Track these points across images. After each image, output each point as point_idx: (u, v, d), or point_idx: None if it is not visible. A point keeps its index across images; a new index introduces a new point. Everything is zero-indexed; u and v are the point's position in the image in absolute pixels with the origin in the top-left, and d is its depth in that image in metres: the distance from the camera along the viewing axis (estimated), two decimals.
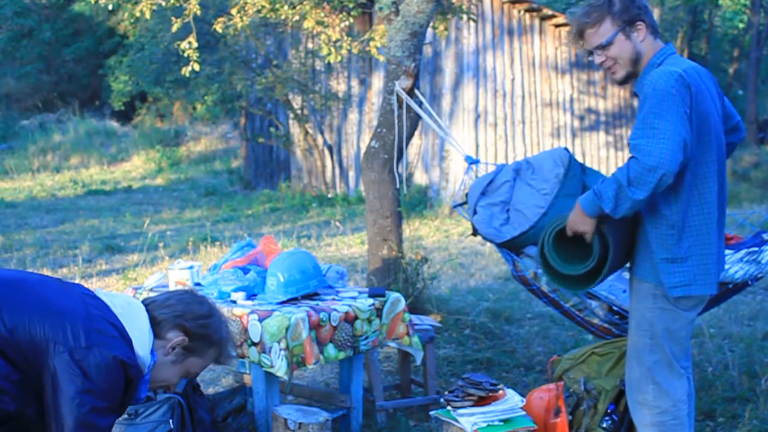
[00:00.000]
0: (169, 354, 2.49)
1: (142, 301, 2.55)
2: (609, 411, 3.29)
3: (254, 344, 3.51)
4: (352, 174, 14.90)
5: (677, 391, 3.03)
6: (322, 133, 15.02)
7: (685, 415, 3.05)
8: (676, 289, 2.92)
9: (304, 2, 7.34)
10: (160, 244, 8.87)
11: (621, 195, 2.79)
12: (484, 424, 3.19)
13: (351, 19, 7.77)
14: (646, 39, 2.97)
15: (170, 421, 3.12)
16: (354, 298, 3.87)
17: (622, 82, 3.05)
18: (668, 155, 2.71)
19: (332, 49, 7.55)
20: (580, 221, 2.95)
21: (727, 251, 3.44)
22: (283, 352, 3.42)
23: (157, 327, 2.47)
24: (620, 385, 3.30)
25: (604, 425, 3.27)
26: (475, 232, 4.34)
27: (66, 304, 2.36)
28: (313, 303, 3.71)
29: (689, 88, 2.80)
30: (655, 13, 22.35)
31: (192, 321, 2.50)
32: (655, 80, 2.82)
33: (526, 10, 14.40)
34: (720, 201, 2.97)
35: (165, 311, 2.49)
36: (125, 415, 3.09)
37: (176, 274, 3.94)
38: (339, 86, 14.93)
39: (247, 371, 4.16)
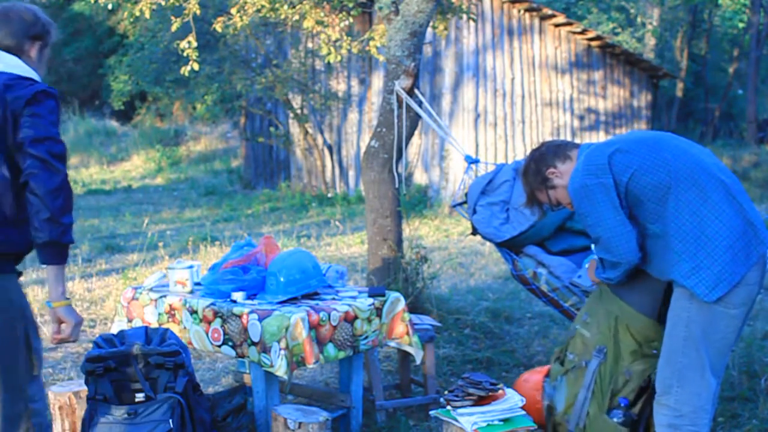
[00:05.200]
0: (33, 60, 2.80)
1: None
2: (621, 405, 3.25)
3: (254, 344, 3.51)
4: (352, 174, 14.91)
5: (701, 398, 3.00)
6: (322, 132, 15.03)
7: (705, 423, 3.02)
8: (711, 293, 2.92)
9: (304, 2, 7.34)
10: (160, 244, 8.87)
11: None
12: (484, 424, 3.19)
13: (351, 19, 7.77)
14: (565, 172, 3.27)
15: (170, 420, 3.12)
16: (354, 297, 3.87)
17: None
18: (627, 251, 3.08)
19: (332, 49, 7.55)
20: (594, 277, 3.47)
21: None
22: (282, 352, 3.43)
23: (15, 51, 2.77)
24: (626, 375, 3.25)
25: (615, 419, 3.23)
26: (474, 232, 4.34)
27: None
28: (312, 302, 3.71)
29: (600, 166, 3.06)
30: (655, 13, 22.37)
31: (35, 26, 2.80)
32: (569, 183, 3.18)
33: (526, 10, 14.40)
34: (725, 192, 2.98)
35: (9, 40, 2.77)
36: (125, 415, 3.09)
37: (176, 274, 3.94)
38: (339, 86, 14.94)
39: (247, 371, 4.16)
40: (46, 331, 4.90)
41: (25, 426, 2.76)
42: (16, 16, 2.76)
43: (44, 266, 2.60)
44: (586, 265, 3.86)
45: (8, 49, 2.74)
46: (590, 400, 3.28)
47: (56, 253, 2.58)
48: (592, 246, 4.03)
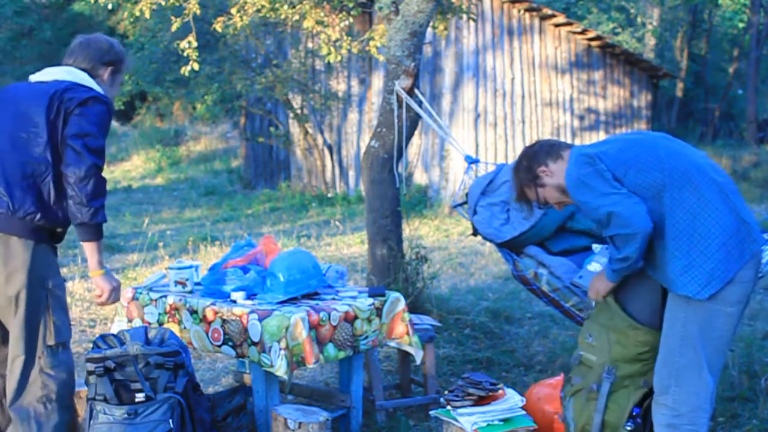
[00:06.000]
0: (105, 82, 3.25)
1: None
2: (633, 414, 3.24)
3: (254, 344, 3.51)
4: (352, 174, 14.91)
5: (699, 398, 3.00)
6: (322, 132, 15.03)
7: (703, 423, 3.01)
8: (703, 290, 2.92)
9: (304, 2, 7.34)
10: (160, 244, 8.87)
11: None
12: (484, 424, 3.20)
13: (351, 19, 7.77)
14: (555, 171, 3.27)
15: (170, 420, 3.12)
16: (354, 297, 3.87)
17: None
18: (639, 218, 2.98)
19: (332, 49, 7.55)
20: (604, 287, 3.26)
21: None
22: (282, 352, 3.42)
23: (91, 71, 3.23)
24: (643, 386, 3.25)
25: (628, 428, 3.23)
26: (475, 232, 4.34)
27: None
28: (312, 302, 3.71)
29: (592, 155, 3.06)
30: (655, 13, 22.37)
31: (109, 53, 3.27)
32: (566, 180, 3.15)
33: (526, 10, 14.40)
34: (718, 191, 2.98)
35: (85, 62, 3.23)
36: (125, 415, 3.09)
37: (176, 274, 3.94)
38: (339, 86, 14.94)
39: (247, 371, 4.16)
40: None
41: (37, 394, 3.01)
42: (94, 44, 3.26)
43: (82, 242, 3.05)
44: (588, 266, 3.85)
45: (85, 71, 3.19)
46: (606, 421, 3.25)
47: (88, 232, 2.99)
48: (593, 246, 4.02)
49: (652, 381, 3.19)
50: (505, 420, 3.24)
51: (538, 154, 3.33)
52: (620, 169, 3.03)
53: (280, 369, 3.43)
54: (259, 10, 7.28)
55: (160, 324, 3.86)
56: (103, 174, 3.03)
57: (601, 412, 3.24)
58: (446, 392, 3.35)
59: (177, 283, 3.93)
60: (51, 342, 3.04)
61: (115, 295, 3.17)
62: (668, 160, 3.01)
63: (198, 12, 7.10)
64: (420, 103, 5.46)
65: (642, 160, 3.03)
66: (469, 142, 13.73)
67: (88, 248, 3.05)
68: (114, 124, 23.39)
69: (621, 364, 3.23)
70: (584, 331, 3.39)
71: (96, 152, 2.97)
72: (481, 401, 3.27)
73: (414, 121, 5.50)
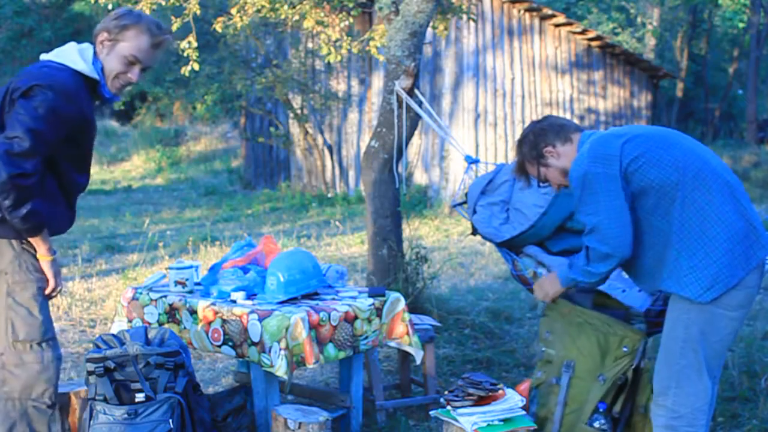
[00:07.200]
0: (102, 52, 3.01)
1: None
2: (600, 410, 3.26)
3: (254, 344, 3.51)
4: (352, 174, 14.91)
5: (698, 399, 2.99)
6: (322, 132, 15.03)
7: (702, 424, 3.01)
8: (705, 293, 2.91)
9: (304, 2, 7.34)
10: (160, 244, 8.87)
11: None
12: (484, 424, 3.19)
13: (351, 19, 7.77)
14: (562, 153, 3.22)
15: (170, 420, 3.12)
16: (354, 297, 3.87)
17: None
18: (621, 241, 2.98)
19: (332, 49, 7.55)
20: (554, 291, 3.36)
21: None
22: (282, 352, 3.42)
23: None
24: (600, 381, 3.26)
25: (596, 425, 3.24)
26: (474, 232, 4.34)
27: None
28: (313, 303, 3.71)
29: (610, 157, 2.99)
30: (655, 13, 22.36)
31: (109, 22, 3.03)
32: (572, 169, 3.09)
33: (526, 10, 14.40)
34: (729, 194, 2.96)
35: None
36: (125, 415, 3.09)
37: (176, 274, 3.94)
38: (339, 86, 14.94)
39: (247, 371, 4.16)
40: None
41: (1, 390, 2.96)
42: (111, 14, 3.09)
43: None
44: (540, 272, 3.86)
45: (93, 38, 3.05)
46: (565, 414, 3.31)
47: (26, 232, 2.89)
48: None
49: (609, 376, 3.25)
50: (505, 420, 3.24)
51: (546, 132, 3.27)
52: (633, 164, 2.98)
53: (280, 369, 3.43)
54: (259, 10, 7.28)
55: (160, 324, 3.86)
56: (29, 181, 2.76)
57: (562, 404, 3.30)
58: (446, 392, 3.34)
59: (177, 283, 3.93)
60: (11, 339, 2.94)
61: (49, 282, 3.03)
62: (683, 159, 2.97)
63: (198, 12, 7.10)
64: (420, 103, 5.46)
65: (657, 155, 2.98)
66: (469, 142, 13.74)
67: (33, 242, 2.95)
68: (114, 124, 23.44)
69: (579, 357, 3.30)
70: (541, 327, 3.47)
71: (18, 157, 2.73)
72: (481, 401, 3.26)
73: (414, 121, 5.50)
